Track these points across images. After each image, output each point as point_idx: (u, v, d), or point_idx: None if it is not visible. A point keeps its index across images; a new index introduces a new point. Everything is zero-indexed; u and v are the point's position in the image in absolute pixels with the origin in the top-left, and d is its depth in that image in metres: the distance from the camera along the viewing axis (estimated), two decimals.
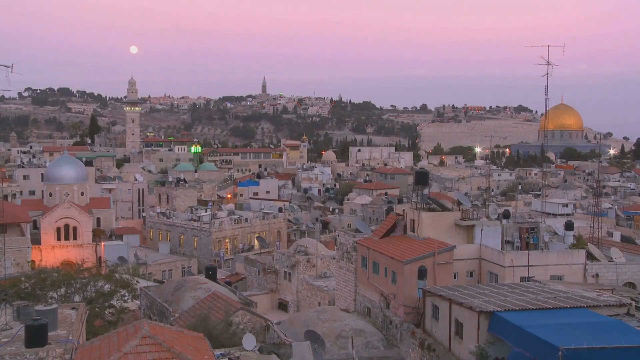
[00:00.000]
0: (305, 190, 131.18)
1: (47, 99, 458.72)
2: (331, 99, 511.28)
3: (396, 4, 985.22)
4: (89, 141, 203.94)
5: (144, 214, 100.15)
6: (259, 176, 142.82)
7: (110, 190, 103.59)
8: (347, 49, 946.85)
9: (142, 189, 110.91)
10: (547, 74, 38.90)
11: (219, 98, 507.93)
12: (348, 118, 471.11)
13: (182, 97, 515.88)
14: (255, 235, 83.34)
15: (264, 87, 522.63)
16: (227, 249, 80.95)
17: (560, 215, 76.75)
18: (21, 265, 60.53)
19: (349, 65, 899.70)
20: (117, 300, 42.76)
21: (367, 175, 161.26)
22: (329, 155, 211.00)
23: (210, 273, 48.30)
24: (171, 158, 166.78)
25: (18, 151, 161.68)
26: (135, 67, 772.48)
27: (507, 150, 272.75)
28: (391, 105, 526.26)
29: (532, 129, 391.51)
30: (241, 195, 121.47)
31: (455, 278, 32.52)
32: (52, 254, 72.07)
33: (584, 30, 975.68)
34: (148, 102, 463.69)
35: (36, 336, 19.56)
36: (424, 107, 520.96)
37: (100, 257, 71.89)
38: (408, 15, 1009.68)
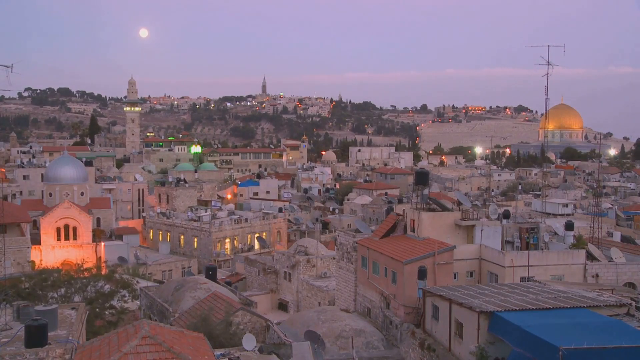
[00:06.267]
0: (305, 191, 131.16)
1: (47, 99, 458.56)
2: (331, 99, 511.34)
3: (396, 6, 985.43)
4: (89, 141, 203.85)
5: (144, 214, 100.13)
6: (259, 176, 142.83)
7: (110, 190, 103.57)
8: (347, 49, 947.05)
9: (142, 189, 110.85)
10: (547, 74, 38.97)
11: (219, 98, 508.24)
12: (348, 118, 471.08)
13: (182, 97, 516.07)
14: (256, 236, 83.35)
15: (264, 87, 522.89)
16: (227, 249, 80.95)
17: (560, 215, 76.65)
18: (21, 265, 60.53)
19: (349, 65, 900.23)
20: (117, 300, 42.73)
21: (367, 175, 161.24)
22: (329, 155, 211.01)
23: (210, 273, 48.28)
24: (171, 158, 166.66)
25: (18, 151, 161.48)
26: (139, 60, 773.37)
27: (507, 150, 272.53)
28: (391, 105, 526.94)
29: (532, 129, 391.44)
30: (241, 195, 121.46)
31: (455, 278, 32.52)
32: (52, 254, 72.06)
33: (585, 29, 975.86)
34: (148, 102, 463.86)
35: (36, 336, 19.54)
36: (424, 107, 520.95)
37: (100, 257, 71.85)
38: (408, 16, 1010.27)
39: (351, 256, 39.07)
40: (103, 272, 49.08)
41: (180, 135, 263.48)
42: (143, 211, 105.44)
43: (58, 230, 74.03)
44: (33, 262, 65.31)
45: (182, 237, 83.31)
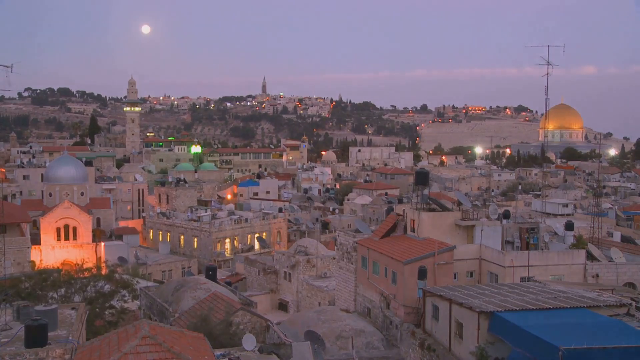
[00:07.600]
0: (305, 191, 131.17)
1: (47, 99, 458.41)
2: (331, 99, 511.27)
3: (397, 6, 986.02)
4: (89, 141, 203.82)
5: (144, 214, 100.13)
6: (259, 176, 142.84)
7: (110, 190, 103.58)
8: (347, 49, 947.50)
9: (142, 189, 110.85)
10: (547, 74, 39.01)
11: (219, 98, 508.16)
12: (348, 118, 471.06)
13: (182, 97, 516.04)
14: (256, 236, 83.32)
15: (264, 87, 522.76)
16: (227, 249, 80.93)
17: (560, 215, 76.58)
18: (21, 265, 60.49)
19: (349, 65, 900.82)
20: (117, 300, 42.72)
21: (367, 175, 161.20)
22: (329, 155, 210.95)
23: (210, 273, 48.27)
24: (171, 158, 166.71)
25: (18, 151, 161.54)
26: (139, 60, 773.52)
27: (508, 150, 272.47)
28: (391, 105, 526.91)
29: (532, 129, 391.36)
30: (241, 195, 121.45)
31: (455, 278, 32.53)
32: (52, 254, 72.04)
33: (584, 29, 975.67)
34: (148, 102, 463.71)
35: (36, 336, 19.56)
36: (424, 107, 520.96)
37: (100, 257, 71.79)
38: (408, 16, 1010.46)
39: (351, 256, 39.06)
40: (103, 272, 49.02)
41: (180, 135, 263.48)
42: (143, 211, 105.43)
43: (58, 230, 73.99)
44: (33, 262, 65.25)
45: (182, 237, 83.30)
